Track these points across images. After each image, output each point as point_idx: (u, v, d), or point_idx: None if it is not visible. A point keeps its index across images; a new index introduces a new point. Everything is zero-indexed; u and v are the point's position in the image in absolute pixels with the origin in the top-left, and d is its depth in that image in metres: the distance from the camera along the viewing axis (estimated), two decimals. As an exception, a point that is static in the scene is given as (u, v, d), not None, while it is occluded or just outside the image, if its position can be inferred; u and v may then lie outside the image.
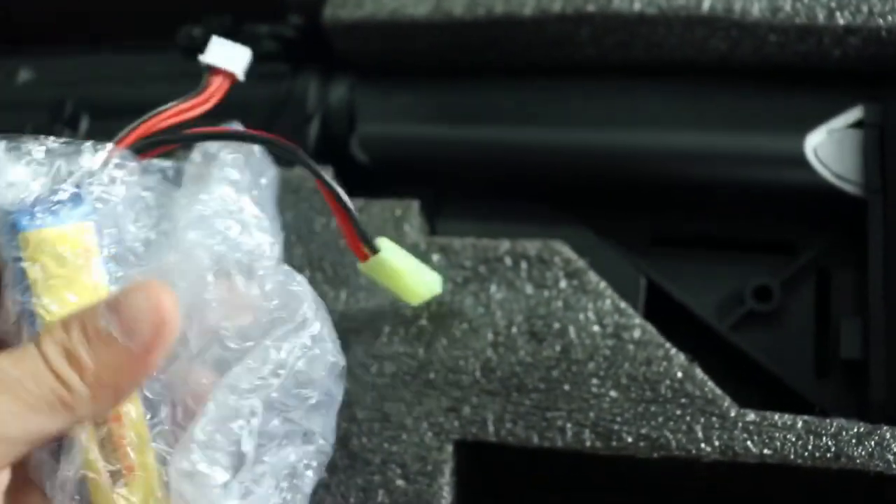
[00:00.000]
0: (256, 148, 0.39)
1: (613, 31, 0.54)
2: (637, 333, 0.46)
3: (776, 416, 0.43)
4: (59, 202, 0.33)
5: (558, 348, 0.46)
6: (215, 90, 0.40)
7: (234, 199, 0.36)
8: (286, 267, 0.36)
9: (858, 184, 0.49)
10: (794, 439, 0.42)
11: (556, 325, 0.46)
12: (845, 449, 0.41)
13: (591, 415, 0.44)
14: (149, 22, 0.68)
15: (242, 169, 0.38)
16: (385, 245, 0.42)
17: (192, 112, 0.39)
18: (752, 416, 0.43)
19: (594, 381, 0.45)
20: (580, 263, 0.48)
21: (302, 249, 0.51)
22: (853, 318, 0.48)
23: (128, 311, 0.31)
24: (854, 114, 0.50)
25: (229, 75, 0.41)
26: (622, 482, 0.50)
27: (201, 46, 0.64)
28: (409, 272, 0.43)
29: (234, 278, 0.34)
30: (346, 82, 0.59)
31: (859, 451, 0.41)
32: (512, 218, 0.54)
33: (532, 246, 0.48)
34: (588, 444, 0.44)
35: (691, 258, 0.53)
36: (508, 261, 0.48)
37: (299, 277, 0.35)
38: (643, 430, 0.44)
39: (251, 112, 0.61)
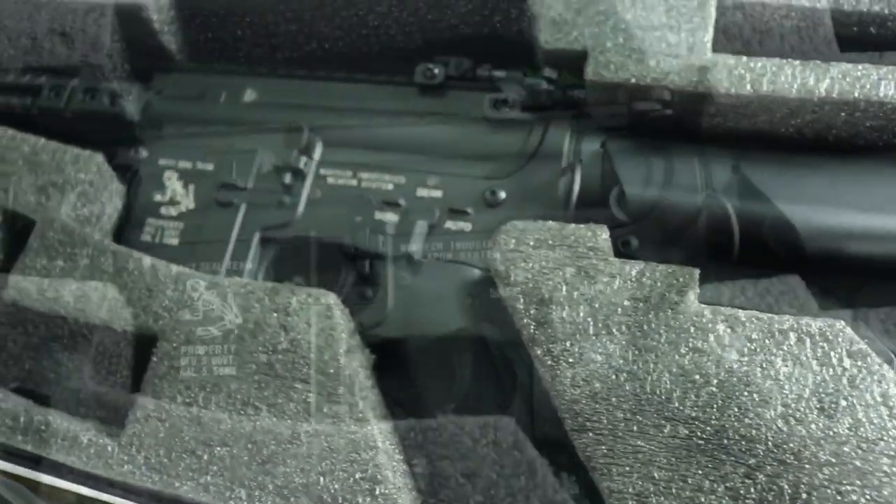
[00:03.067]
0: None
1: (873, 117, 0.57)
2: (921, 417, 0.49)
3: None
4: None
5: (847, 425, 0.49)
6: None
7: None
8: None
9: None
10: None
11: (844, 403, 0.49)
12: None
13: (885, 492, 0.47)
14: (385, 58, 0.69)
15: None
16: None
17: None
18: None
19: (885, 460, 0.48)
20: (861, 345, 0.50)
21: (586, 308, 0.53)
22: None
23: None
24: None
25: None
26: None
27: (439, 85, 0.66)
28: None
29: None
30: (598, 138, 0.61)
31: None
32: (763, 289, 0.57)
33: (814, 323, 0.51)
34: (882, 519, 0.47)
35: None
36: (793, 337, 0.51)
37: None
38: (934, 511, 0.47)
39: (497, 155, 0.63)
